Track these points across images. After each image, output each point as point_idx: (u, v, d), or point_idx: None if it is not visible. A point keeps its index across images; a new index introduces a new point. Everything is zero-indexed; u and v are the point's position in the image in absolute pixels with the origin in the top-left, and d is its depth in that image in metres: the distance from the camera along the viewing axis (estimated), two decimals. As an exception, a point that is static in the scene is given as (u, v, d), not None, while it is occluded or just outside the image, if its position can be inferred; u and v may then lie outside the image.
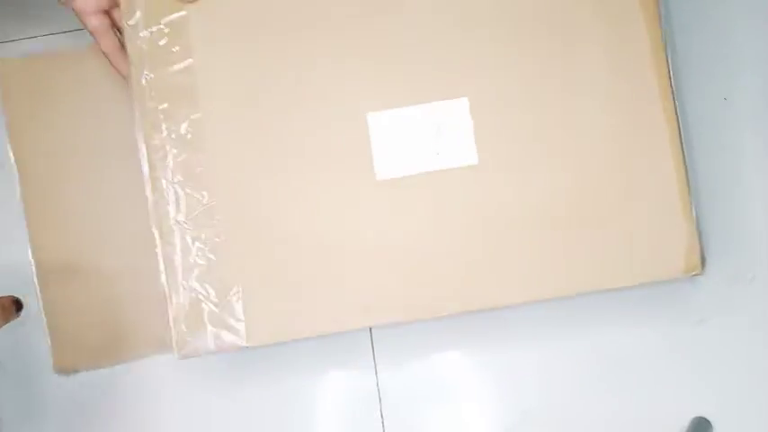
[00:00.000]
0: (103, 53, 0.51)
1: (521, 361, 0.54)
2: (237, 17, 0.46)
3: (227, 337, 0.46)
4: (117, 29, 0.51)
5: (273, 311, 0.46)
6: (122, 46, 0.50)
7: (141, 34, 0.46)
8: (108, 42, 0.50)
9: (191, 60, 0.46)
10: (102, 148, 0.55)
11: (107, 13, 0.50)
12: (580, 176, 0.46)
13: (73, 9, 0.49)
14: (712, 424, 0.53)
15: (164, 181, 0.46)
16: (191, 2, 0.45)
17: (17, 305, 0.46)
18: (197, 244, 0.46)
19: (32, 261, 0.56)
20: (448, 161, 0.46)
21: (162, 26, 0.46)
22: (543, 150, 0.46)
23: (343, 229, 0.46)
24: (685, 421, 0.54)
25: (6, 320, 0.45)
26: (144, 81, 0.46)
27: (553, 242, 0.46)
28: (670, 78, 0.46)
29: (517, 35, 0.46)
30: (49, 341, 0.56)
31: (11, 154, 0.56)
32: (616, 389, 0.54)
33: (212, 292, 0.46)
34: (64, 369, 0.56)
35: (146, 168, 0.46)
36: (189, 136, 0.46)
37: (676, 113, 0.46)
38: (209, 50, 0.46)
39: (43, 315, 0.56)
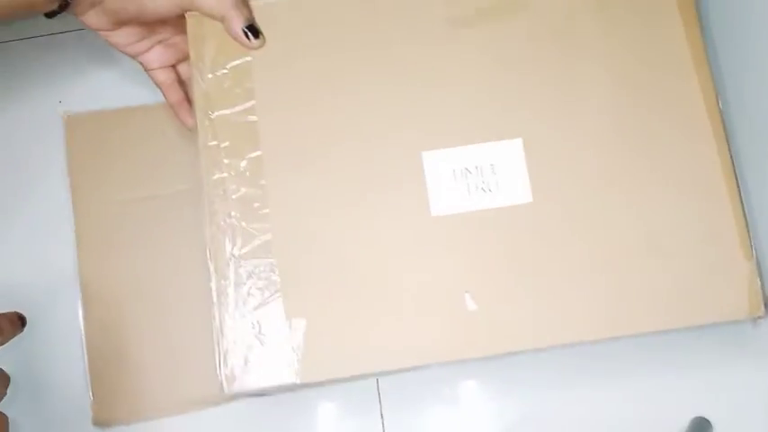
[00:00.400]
0: (170, 105, 0.53)
1: (521, 361, 0.54)
2: (297, 61, 0.48)
3: (278, 374, 0.45)
4: (181, 82, 0.54)
5: (327, 348, 0.45)
6: (187, 98, 0.53)
7: (208, 77, 0.48)
8: (173, 95, 0.53)
9: (253, 102, 0.48)
10: (161, 199, 0.57)
11: (173, 67, 0.53)
12: (634, 215, 0.46)
13: (141, 63, 0.52)
14: (712, 424, 0.52)
15: (221, 215, 0.46)
16: (256, 48, 0.48)
17: (21, 320, 0.47)
18: (251, 279, 0.46)
19: (81, 313, 0.56)
20: (502, 199, 0.47)
21: (227, 70, 0.48)
22: (598, 189, 0.46)
23: (398, 265, 0.46)
24: (685, 421, 0.53)
25: (14, 334, 0.46)
26: (207, 121, 0.48)
27: (607, 282, 0.45)
28: (721, 114, 0.47)
29: (571, 76, 0.48)
30: (91, 394, 0.55)
31: (71, 204, 0.58)
32: (616, 388, 0.53)
33: (265, 328, 0.45)
34: (103, 423, 0.55)
35: (205, 203, 0.47)
36: (248, 173, 0.47)
37: (731, 155, 0.47)
38: (270, 93, 0.48)
39: (87, 368, 0.55)
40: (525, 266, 0.46)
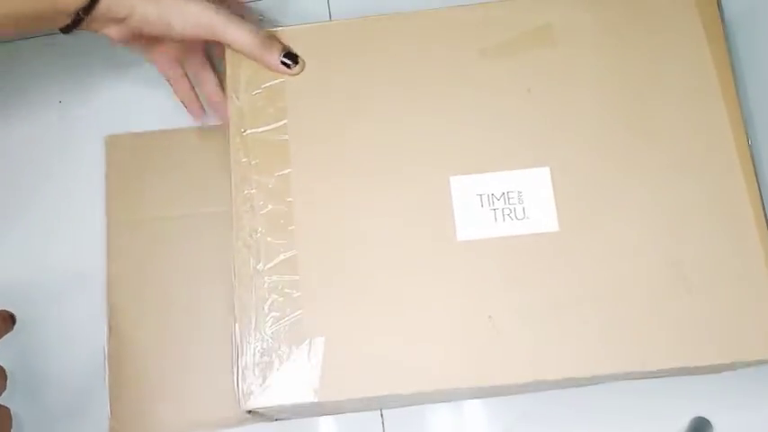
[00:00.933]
0: (180, 99, 0.55)
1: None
2: (329, 84, 0.49)
3: (297, 393, 0.44)
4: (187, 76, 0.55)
5: (347, 368, 0.44)
6: (193, 90, 0.54)
7: (242, 96, 0.49)
8: (181, 87, 0.55)
9: (285, 121, 0.49)
10: (195, 218, 0.57)
11: (178, 61, 0.54)
12: (663, 248, 0.46)
13: (148, 60, 0.53)
14: (712, 424, 0.51)
15: (248, 230, 0.47)
16: (298, 73, 0.49)
17: (12, 318, 0.46)
18: (274, 295, 0.46)
19: (106, 329, 0.56)
20: (528, 227, 0.46)
21: (261, 90, 0.49)
22: (626, 221, 0.46)
23: (421, 288, 0.46)
24: (685, 421, 0.52)
25: (6, 331, 0.45)
26: (239, 138, 0.48)
27: (633, 316, 0.45)
28: (750, 149, 0.47)
29: (599, 106, 0.48)
30: (109, 410, 0.55)
31: (105, 223, 0.58)
32: (616, 388, 0.52)
33: (285, 345, 0.45)
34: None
35: (233, 218, 0.47)
36: (276, 190, 0.47)
37: (759, 188, 0.46)
38: (302, 113, 0.49)
39: (107, 383, 0.55)
40: (550, 296, 0.45)
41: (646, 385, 0.52)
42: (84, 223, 0.58)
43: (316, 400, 0.44)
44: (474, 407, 0.55)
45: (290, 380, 0.44)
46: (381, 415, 0.54)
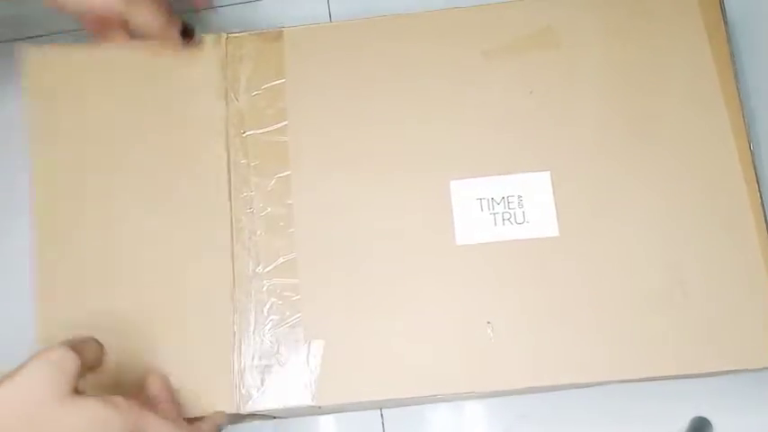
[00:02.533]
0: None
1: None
2: (329, 86, 0.49)
3: (295, 396, 0.44)
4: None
5: (345, 372, 0.44)
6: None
7: (241, 97, 0.49)
8: (115, 37, 0.50)
9: (284, 122, 0.48)
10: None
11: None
12: (662, 255, 0.45)
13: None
14: (712, 424, 0.51)
15: (247, 232, 0.47)
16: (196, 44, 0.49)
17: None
18: (273, 298, 0.46)
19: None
20: (529, 232, 0.46)
21: (261, 91, 0.49)
22: (626, 228, 0.46)
23: (420, 292, 0.46)
24: (685, 421, 0.52)
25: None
26: (239, 140, 0.48)
27: (630, 323, 0.45)
28: (752, 157, 0.47)
29: (602, 112, 0.48)
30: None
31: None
32: (616, 387, 0.50)
33: (283, 348, 0.45)
34: None
35: (231, 221, 0.47)
36: (275, 192, 0.47)
37: (761, 195, 0.46)
38: (302, 114, 0.48)
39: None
40: (549, 301, 0.45)
41: (646, 385, 0.51)
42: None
43: (314, 404, 0.44)
44: (474, 407, 0.55)
45: (289, 383, 0.44)
46: (381, 416, 0.54)
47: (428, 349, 0.45)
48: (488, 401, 0.54)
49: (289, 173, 0.48)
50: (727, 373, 0.44)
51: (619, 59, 0.49)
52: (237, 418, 0.49)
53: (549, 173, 0.47)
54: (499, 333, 0.45)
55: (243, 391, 0.44)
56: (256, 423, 0.53)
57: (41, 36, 0.62)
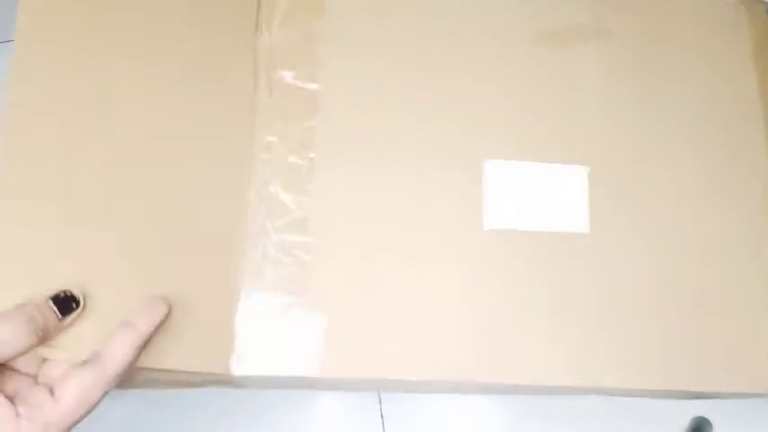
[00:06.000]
0: None
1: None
2: (371, 41, 0.45)
3: (297, 363, 0.41)
4: None
5: (347, 345, 0.41)
6: None
7: (275, 32, 0.44)
8: None
9: (317, 69, 0.44)
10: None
11: None
12: (689, 270, 0.44)
13: None
14: (712, 424, 0.52)
15: (262, 180, 0.43)
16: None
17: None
18: (282, 255, 0.42)
19: None
20: (558, 224, 0.44)
21: (297, 30, 0.45)
22: (658, 237, 0.45)
23: (435, 273, 0.43)
24: (685, 421, 0.52)
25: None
26: (266, 78, 0.44)
27: (648, 333, 0.43)
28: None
29: (651, 111, 0.46)
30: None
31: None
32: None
33: (286, 311, 0.41)
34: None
35: (247, 167, 0.43)
36: (299, 142, 0.43)
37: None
38: (337, 65, 0.45)
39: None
40: (568, 300, 0.43)
41: None
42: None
43: (315, 375, 0.41)
44: (478, 403, 0.53)
45: (289, 349, 0.41)
46: (382, 418, 0.52)
47: (438, 333, 0.42)
48: (495, 398, 0.53)
49: (314, 123, 0.44)
50: (738, 396, 0.44)
51: (662, 59, 0.48)
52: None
53: (587, 168, 0.45)
54: (515, 327, 0.43)
55: (239, 352, 0.41)
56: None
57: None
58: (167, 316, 0.38)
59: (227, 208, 0.42)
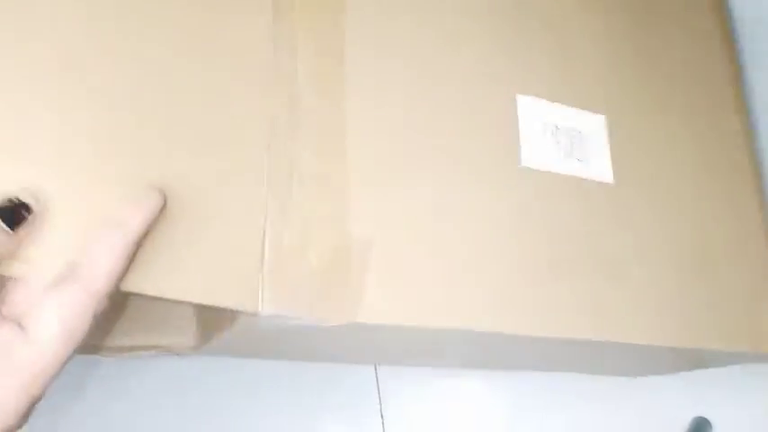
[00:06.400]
0: None
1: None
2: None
3: (331, 305, 0.33)
4: None
5: (391, 289, 0.35)
6: None
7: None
8: None
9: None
10: None
11: None
12: (693, 223, 0.45)
13: None
14: (712, 424, 0.52)
15: (292, 93, 0.35)
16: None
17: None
18: (315, 186, 0.35)
19: None
20: (587, 171, 0.42)
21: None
22: (681, 188, 0.45)
23: (476, 210, 0.38)
24: (685, 421, 0.52)
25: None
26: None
27: (662, 288, 0.42)
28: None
29: (674, 65, 0.47)
30: None
31: None
32: (618, 386, 0.52)
33: (320, 248, 0.34)
34: None
35: (273, 71, 0.35)
36: (329, 38, 0.37)
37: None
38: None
39: None
40: (594, 248, 0.41)
41: (647, 385, 0.52)
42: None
43: (351, 321, 0.34)
44: (478, 403, 0.51)
45: (324, 289, 0.33)
46: (382, 418, 0.48)
47: (484, 276, 0.38)
48: (496, 398, 0.51)
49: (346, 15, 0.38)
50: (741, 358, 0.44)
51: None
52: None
53: (604, 117, 0.44)
54: (541, 277, 0.39)
55: (269, 288, 0.32)
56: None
57: None
58: (162, 210, 0.29)
59: (257, 137, 0.34)
